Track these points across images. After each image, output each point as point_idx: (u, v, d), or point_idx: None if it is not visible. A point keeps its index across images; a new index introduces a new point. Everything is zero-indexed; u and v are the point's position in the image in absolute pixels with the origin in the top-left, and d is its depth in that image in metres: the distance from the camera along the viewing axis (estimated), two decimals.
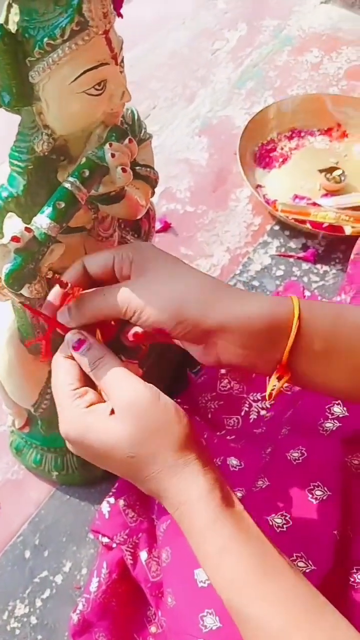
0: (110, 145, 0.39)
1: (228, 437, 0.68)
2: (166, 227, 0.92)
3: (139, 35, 1.21)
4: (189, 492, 0.37)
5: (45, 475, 0.69)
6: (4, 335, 0.55)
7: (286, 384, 0.69)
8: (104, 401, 0.40)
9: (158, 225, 0.91)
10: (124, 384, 0.39)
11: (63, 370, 0.42)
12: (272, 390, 0.40)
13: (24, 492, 0.70)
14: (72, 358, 0.42)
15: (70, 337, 0.42)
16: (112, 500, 0.64)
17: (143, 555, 0.60)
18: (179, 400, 0.72)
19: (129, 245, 0.45)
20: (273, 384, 0.39)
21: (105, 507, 0.64)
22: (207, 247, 0.90)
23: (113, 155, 0.39)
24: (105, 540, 0.62)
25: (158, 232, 0.91)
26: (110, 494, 0.65)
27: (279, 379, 0.39)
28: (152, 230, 0.57)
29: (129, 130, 0.46)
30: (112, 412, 0.39)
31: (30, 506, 0.69)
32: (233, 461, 0.62)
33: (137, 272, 0.41)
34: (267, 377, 0.40)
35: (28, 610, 0.64)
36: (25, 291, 0.40)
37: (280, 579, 0.36)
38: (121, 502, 0.63)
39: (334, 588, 0.45)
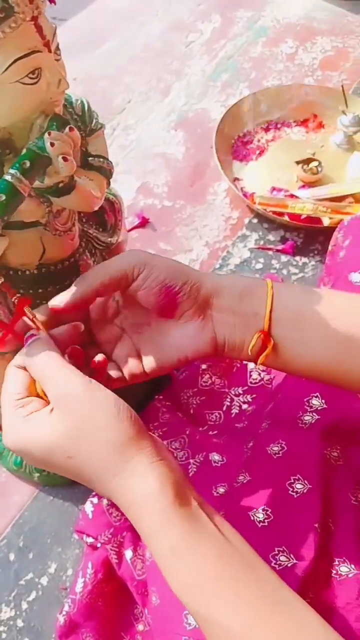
0: (49, 134, 0.38)
1: (210, 433, 0.68)
2: (144, 223, 0.91)
3: (112, 27, 1.20)
4: (135, 491, 0.36)
5: (27, 477, 0.68)
6: None
7: (267, 376, 0.69)
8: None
9: (136, 221, 0.91)
10: (59, 374, 0.38)
11: (11, 379, 0.40)
12: (261, 357, 0.42)
13: (7, 495, 0.69)
14: (24, 369, 0.41)
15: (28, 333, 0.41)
16: (95, 500, 0.64)
17: (128, 553, 0.59)
18: (161, 396, 0.72)
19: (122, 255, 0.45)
20: (257, 346, 0.42)
21: (88, 507, 0.64)
22: (186, 242, 0.90)
23: (53, 145, 0.38)
24: (90, 540, 0.62)
25: (136, 227, 0.90)
26: (94, 493, 0.65)
27: (262, 348, 0.42)
28: (118, 223, 0.56)
29: (79, 121, 0.45)
30: (52, 411, 0.38)
31: (14, 509, 0.69)
32: (215, 457, 0.62)
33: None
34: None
35: (14, 613, 0.63)
36: None
37: (239, 578, 0.35)
38: (104, 501, 0.63)
39: (317, 581, 0.46)
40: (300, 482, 0.49)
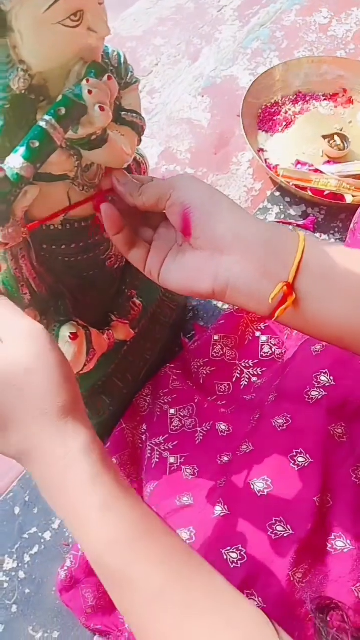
0: (88, 81, 0.37)
1: (219, 403, 0.68)
2: None
3: None
4: (69, 444, 0.35)
5: None
6: None
7: (279, 350, 0.69)
8: None
9: None
10: (17, 317, 0.39)
11: None
12: (279, 310, 0.39)
13: None
14: None
15: None
16: None
17: None
18: (172, 365, 0.72)
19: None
20: (277, 297, 0.39)
21: None
22: None
23: (90, 92, 0.37)
24: None
25: None
26: None
27: (282, 300, 0.39)
28: None
29: (114, 72, 0.44)
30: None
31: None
32: (222, 426, 0.62)
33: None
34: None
35: (16, 565, 0.65)
36: None
37: (160, 539, 0.35)
38: (112, 460, 0.64)
39: (312, 553, 0.46)
40: (302, 455, 0.49)
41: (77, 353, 0.52)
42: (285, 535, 0.46)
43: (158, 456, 0.65)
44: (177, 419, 0.67)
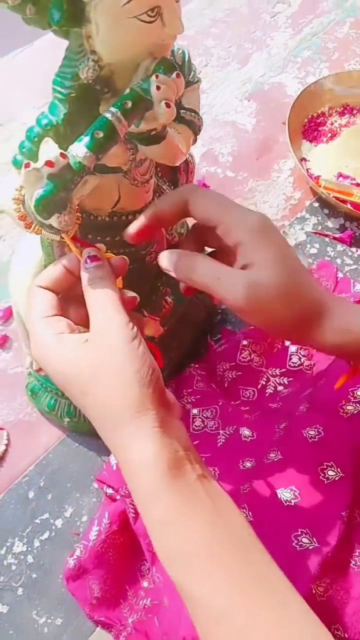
0: (157, 76, 0.37)
1: (242, 408, 0.68)
2: None
3: None
4: (131, 452, 0.35)
5: (57, 421, 0.69)
6: (30, 272, 0.54)
7: (308, 362, 0.68)
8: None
9: None
10: (108, 309, 0.37)
11: (38, 298, 0.40)
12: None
13: (35, 434, 0.71)
14: (49, 289, 0.41)
15: (89, 250, 0.40)
16: None
17: None
18: (197, 365, 0.72)
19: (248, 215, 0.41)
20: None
21: (113, 459, 0.64)
22: None
23: (158, 88, 0.37)
24: (110, 491, 0.63)
25: None
26: None
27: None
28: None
29: (178, 70, 0.44)
30: (85, 342, 0.37)
31: (39, 449, 0.70)
32: (246, 432, 0.62)
33: (248, 257, 0.39)
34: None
35: (26, 548, 0.65)
36: (54, 221, 0.39)
37: (229, 555, 0.34)
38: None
39: (335, 568, 0.46)
40: (332, 469, 0.49)
41: None
42: (310, 547, 0.45)
43: None
44: (200, 420, 0.66)
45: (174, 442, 0.35)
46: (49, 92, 0.40)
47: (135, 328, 0.37)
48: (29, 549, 0.65)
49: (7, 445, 0.70)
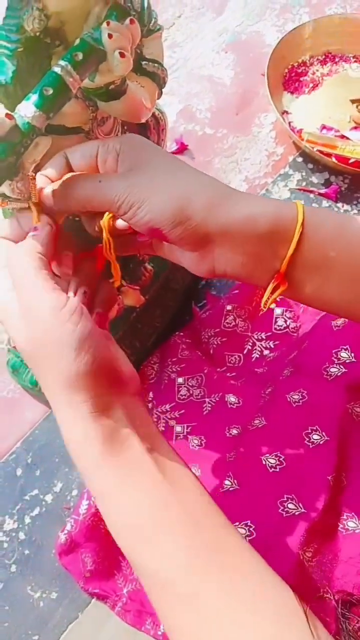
0: (108, 24, 0.34)
1: (228, 374, 0.66)
2: (182, 149, 0.86)
3: None
4: (70, 432, 0.36)
5: (40, 396, 0.68)
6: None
7: (293, 324, 0.67)
8: None
9: (174, 147, 0.86)
10: (33, 287, 0.36)
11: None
12: (267, 300, 0.38)
13: (19, 411, 0.70)
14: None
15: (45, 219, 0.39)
16: None
17: None
18: (181, 333, 0.70)
19: (117, 137, 0.40)
20: (268, 294, 0.37)
21: None
22: (224, 175, 0.85)
23: (110, 36, 0.34)
24: None
25: (174, 153, 0.86)
26: None
27: (274, 289, 0.37)
28: (161, 143, 0.52)
29: (136, 17, 0.41)
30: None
31: (25, 425, 0.69)
32: (231, 398, 0.61)
33: (126, 165, 0.37)
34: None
35: (17, 525, 0.65)
36: (6, 189, 0.37)
37: (179, 523, 0.34)
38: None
39: (322, 532, 0.45)
40: (317, 433, 0.48)
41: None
42: (296, 513, 0.44)
43: (164, 424, 0.63)
44: (185, 388, 0.65)
45: (113, 422, 0.36)
46: None
47: (65, 307, 0.35)
48: (20, 525, 0.65)
49: None
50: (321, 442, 0.47)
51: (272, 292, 0.37)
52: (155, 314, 0.71)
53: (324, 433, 0.47)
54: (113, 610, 0.60)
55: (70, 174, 0.39)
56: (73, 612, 0.61)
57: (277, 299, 0.38)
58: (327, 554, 0.45)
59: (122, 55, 0.35)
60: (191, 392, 0.63)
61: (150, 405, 0.66)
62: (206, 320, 0.72)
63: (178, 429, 0.62)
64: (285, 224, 0.36)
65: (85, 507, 0.61)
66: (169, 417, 0.63)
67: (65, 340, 0.34)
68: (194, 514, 0.34)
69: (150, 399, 0.66)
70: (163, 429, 0.62)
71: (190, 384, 0.64)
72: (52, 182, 0.39)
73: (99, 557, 0.61)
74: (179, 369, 0.66)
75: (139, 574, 0.35)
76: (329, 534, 0.45)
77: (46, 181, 0.39)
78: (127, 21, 0.36)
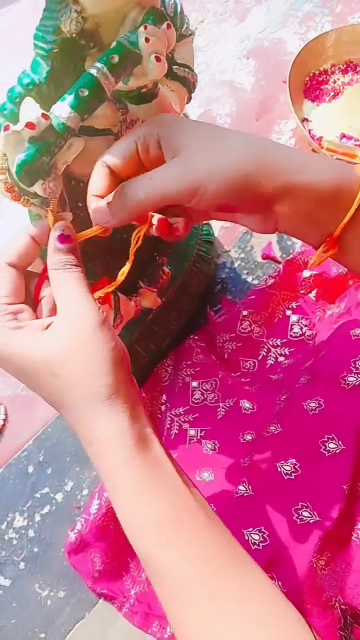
0: (145, 28, 0.34)
1: (242, 380, 0.66)
2: None
3: None
4: (103, 427, 0.35)
5: None
6: None
7: (309, 332, 0.67)
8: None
9: None
10: (75, 295, 0.36)
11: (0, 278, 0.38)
12: (315, 261, 0.38)
13: (33, 409, 0.70)
14: (15, 267, 0.39)
15: (62, 224, 0.38)
16: None
17: None
18: (196, 337, 0.70)
19: (147, 123, 0.38)
20: (317, 255, 0.37)
21: None
22: None
23: (147, 40, 0.34)
24: None
25: None
26: None
27: (325, 252, 0.37)
28: None
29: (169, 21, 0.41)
30: (48, 327, 0.36)
31: (38, 423, 0.69)
32: (246, 404, 0.61)
33: (170, 150, 0.36)
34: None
35: (27, 523, 0.65)
36: (38, 189, 0.37)
37: (194, 528, 0.34)
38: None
39: (336, 541, 0.45)
40: (333, 441, 0.48)
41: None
42: (310, 521, 0.44)
43: (178, 427, 0.63)
44: (199, 392, 0.65)
45: (142, 418, 0.36)
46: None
47: (103, 311, 0.37)
48: (30, 523, 0.65)
49: (4, 420, 0.69)
50: (337, 451, 0.47)
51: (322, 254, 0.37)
52: (171, 317, 0.72)
53: (340, 442, 0.47)
54: (120, 611, 0.60)
55: (120, 185, 0.38)
56: (80, 612, 0.62)
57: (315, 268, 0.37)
58: (340, 563, 0.45)
59: (157, 59, 0.35)
60: (205, 396, 0.64)
61: (163, 407, 0.66)
62: (221, 324, 0.72)
63: (192, 432, 0.62)
64: (345, 190, 0.35)
65: (96, 506, 0.61)
66: (183, 420, 0.63)
67: (106, 344, 0.35)
68: (208, 518, 0.35)
69: (164, 401, 0.66)
70: (177, 431, 0.62)
71: (205, 388, 0.64)
72: (102, 198, 0.38)
73: (108, 557, 0.61)
74: (193, 372, 0.66)
75: (155, 576, 0.35)
76: (343, 543, 0.45)
77: (98, 200, 0.38)
78: (164, 26, 0.36)
